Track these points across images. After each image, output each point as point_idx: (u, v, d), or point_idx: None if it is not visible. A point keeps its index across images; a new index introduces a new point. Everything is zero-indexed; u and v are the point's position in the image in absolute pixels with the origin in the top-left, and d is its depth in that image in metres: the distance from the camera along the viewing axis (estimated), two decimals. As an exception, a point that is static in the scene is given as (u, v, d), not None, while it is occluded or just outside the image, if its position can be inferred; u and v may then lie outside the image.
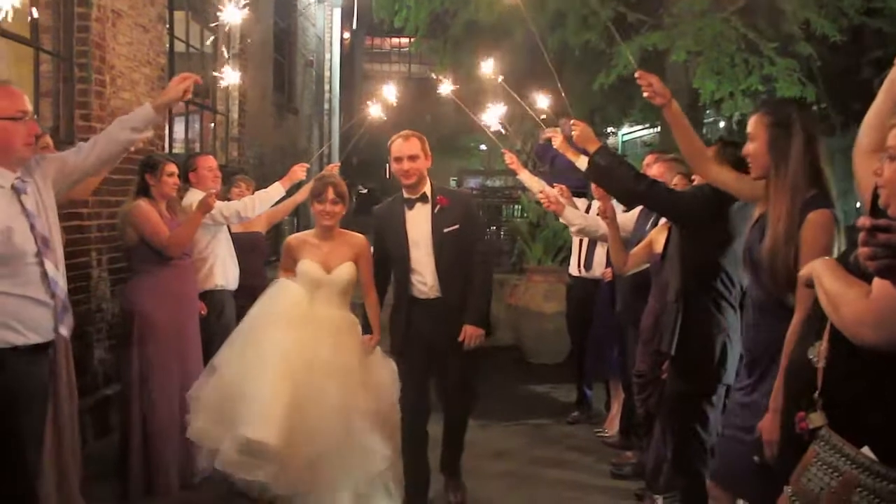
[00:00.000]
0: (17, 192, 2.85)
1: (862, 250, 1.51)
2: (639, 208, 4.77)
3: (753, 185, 3.07)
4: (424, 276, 4.23)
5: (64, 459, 3.91)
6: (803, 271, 2.07)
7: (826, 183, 2.75)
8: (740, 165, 3.57)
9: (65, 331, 3.01)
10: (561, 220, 5.35)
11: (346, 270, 4.09)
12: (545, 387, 7.32)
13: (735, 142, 3.66)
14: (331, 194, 4.04)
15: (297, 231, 5.35)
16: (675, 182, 4.31)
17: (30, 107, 2.93)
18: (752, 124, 2.92)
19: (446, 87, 5.36)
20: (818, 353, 1.96)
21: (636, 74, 3.33)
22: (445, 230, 4.20)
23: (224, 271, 4.99)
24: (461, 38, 9.41)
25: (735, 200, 3.59)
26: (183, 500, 4.40)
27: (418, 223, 4.25)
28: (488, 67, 5.20)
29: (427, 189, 4.28)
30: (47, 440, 3.69)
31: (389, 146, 4.25)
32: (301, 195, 5.97)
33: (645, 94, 3.31)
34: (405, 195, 4.28)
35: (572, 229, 5.23)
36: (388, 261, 4.32)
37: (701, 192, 3.63)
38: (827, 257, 2.05)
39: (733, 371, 3.62)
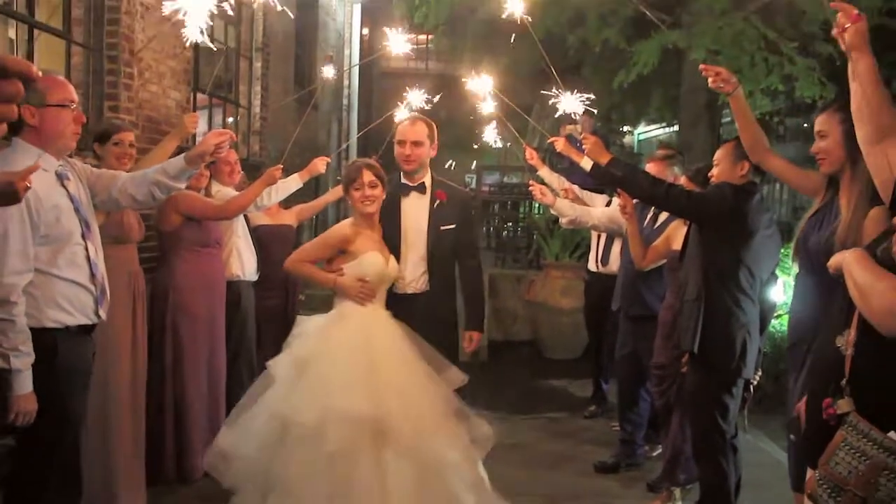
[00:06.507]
0: (59, 177, 2.95)
1: None
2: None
3: (809, 178, 3.14)
4: (406, 271, 4.03)
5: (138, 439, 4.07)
6: (832, 261, 2.13)
7: None
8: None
9: (103, 314, 3.09)
10: (552, 210, 5.47)
11: (395, 262, 3.89)
12: (562, 381, 7.39)
13: None
14: (367, 177, 3.73)
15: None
16: (683, 183, 4.34)
17: (76, 97, 3.01)
18: (823, 122, 2.96)
19: (478, 84, 5.27)
20: (846, 341, 2.02)
21: (700, 68, 3.35)
22: (442, 228, 4.05)
23: (241, 262, 5.01)
24: (481, 36, 9.46)
25: (753, 197, 3.65)
26: (209, 487, 4.43)
27: (414, 215, 4.08)
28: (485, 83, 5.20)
29: (427, 179, 4.12)
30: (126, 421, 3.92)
31: (395, 128, 4.12)
32: (333, 195, 6.04)
33: (711, 84, 3.31)
34: (402, 180, 4.11)
35: (563, 220, 5.34)
36: None
37: (720, 191, 3.70)
38: (857, 248, 2.10)
39: (752, 365, 3.69)
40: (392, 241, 3.99)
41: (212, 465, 3.55)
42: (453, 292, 4.23)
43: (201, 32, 3.66)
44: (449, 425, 3.54)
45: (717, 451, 3.69)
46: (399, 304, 3.94)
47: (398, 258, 3.99)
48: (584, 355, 7.65)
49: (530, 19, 4.31)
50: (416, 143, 4.03)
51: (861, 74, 2.27)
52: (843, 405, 1.97)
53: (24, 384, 2.75)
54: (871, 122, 2.24)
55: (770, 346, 6.22)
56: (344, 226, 3.89)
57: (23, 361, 2.73)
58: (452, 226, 4.08)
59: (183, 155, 3.20)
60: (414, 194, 4.10)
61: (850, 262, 2.00)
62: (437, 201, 4.10)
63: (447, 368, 3.68)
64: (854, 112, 2.30)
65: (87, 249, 2.99)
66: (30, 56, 4.65)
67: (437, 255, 4.06)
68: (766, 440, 5.65)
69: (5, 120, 1.79)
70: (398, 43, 4.00)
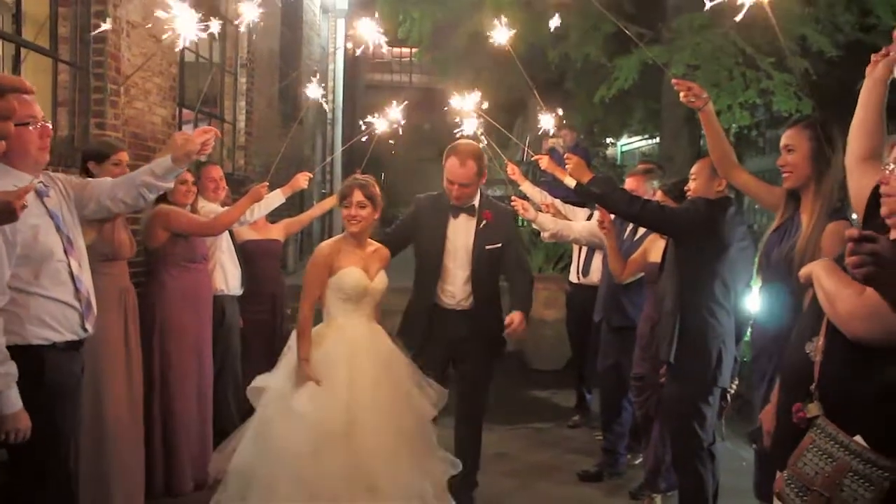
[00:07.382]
0: (39, 194, 2.93)
1: (849, 259, 1.64)
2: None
3: (775, 194, 3.25)
4: (454, 288, 4.17)
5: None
6: (803, 271, 2.22)
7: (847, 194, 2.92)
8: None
9: (90, 328, 3.10)
10: (534, 225, 5.54)
11: (383, 278, 3.88)
12: (546, 392, 7.46)
13: None
14: (356, 197, 3.74)
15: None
16: (659, 197, 4.43)
17: (40, 111, 2.92)
18: (791, 136, 3.05)
19: (463, 101, 5.31)
20: (815, 348, 2.11)
21: (673, 82, 3.43)
22: (487, 247, 4.15)
23: (225, 277, 5.09)
24: (464, 50, 9.56)
25: (727, 210, 3.75)
26: (199, 501, 4.44)
27: (461, 234, 4.18)
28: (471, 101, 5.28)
29: (476, 201, 4.21)
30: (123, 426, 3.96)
31: (445, 159, 4.13)
32: (319, 209, 6.12)
33: (682, 99, 3.39)
34: (452, 202, 4.18)
35: (544, 234, 5.41)
36: (401, 244, 4.25)
37: (694, 206, 3.80)
38: (826, 258, 2.20)
39: (728, 374, 3.78)
40: (435, 259, 4.14)
41: (215, 469, 3.73)
42: (498, 308, 4.30)
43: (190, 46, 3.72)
44: (404, 452, 3.62)
45: (695, 459, 3.76)
46: (446, 318, 4.16)
47: (440, 275, 4.14)
48: (568, 366, 7.72)
49: (511, 48, 4.40)
50: (465, 186, 4.10)
51: (874, 100, 2.40)
52: (813, 409, 2.05)
53: (10, 403, 2.72)
54: (870, 141, 2.36)
55: (748, 355, 6.31)
56: (323, 246, 3.91)
57: (2, 381, 2.69)
58: (498, 245, 4.18)
59: (169, 155, 3.24)
60: (463, 216, 4.20)
61: (818, 272, 2.10)
62: (484, 222, 4.18)
63: (423, 400, 3.79)
64: (855, 129, 2.42)
65: (69, 265, 2.98)
66: (16, 73, 4.69)
67: (482, 274, 4.17)
68: (744, 447, 5.72)
69: (2, 137, 1.83)
70: (369, 31, 4.01)
